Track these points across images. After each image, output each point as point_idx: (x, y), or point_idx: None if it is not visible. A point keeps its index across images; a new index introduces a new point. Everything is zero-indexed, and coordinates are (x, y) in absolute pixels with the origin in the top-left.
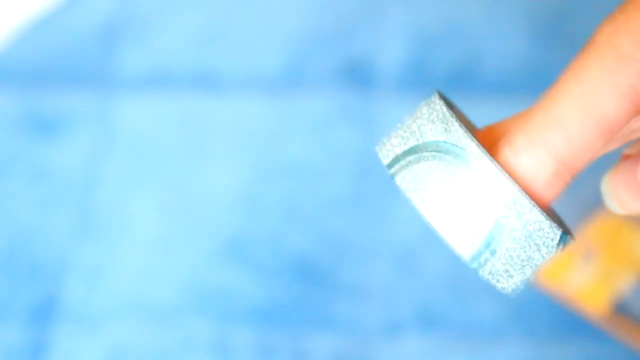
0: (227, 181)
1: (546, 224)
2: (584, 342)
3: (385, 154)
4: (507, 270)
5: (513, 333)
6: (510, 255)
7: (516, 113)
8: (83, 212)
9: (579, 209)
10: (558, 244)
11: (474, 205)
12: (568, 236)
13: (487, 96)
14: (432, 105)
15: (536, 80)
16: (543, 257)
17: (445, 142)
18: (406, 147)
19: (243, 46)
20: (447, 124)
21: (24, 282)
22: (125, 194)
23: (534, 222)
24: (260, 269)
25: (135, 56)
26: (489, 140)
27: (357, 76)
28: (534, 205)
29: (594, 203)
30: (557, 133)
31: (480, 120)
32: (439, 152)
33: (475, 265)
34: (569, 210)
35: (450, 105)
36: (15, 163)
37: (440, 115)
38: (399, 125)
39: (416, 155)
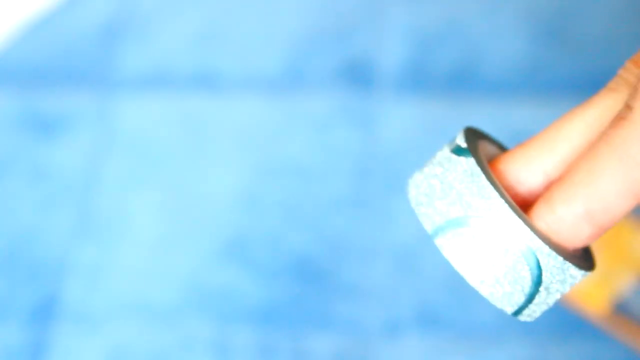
0: (227, 181)
1: (580, 273)
2: (584, 342)
3: (429, 223)
4: (541, 310)
5: (513, 333)
6: (545, 302)
7: (530, 144)
8: (83, 212)
9: None
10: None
11: (514, 268)
12: (592, 268)
13: (487, 96)
14: (470, 170)
15: (536, 81)
16: (568, 290)
17: (489, 218)
18: (449, 218)
19: (243, 46)
20: (490, 198)
21: (24, 282)
22: (125, 194)
23: (568, 272)
24: (260, 269)
25: (135, 56)
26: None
27: (357, 76)
28: (571, 264)
29: None
30: (598, 205)
31: (481, 120)
32: (482, 225)
33: (514, 314)
34: None
35: (477, 136)
36: (15, 163)
37: (484, 191)
38: (433, 175)
39: (459, 229)
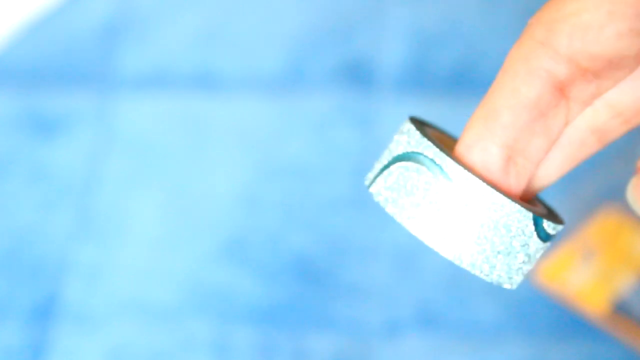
0: (227, 181)
1: (515, 207)
2: (584, 342)
3: (368, 179)
4: (494, 264)
5: (513, 333)
6: (493, 248)
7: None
8: (83, 212)
9: (580, 209)
10: (537, 229)
11: (452, 209)
12: (545, 220)
13: None
14: (402, 128)
15: None
16: (526, 245)
17: (412, 152)
18: (381, 166)
19: (243, 46)
20: (409, 134)
21: (24, 281)
22: (125, 194)
23: (504, 208)
24: (260, 269)
25: (135, 56)
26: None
27: (357, 76)
28: (497, 192)
29: (595, 203)
30: (494, 123)
31: None
32: (409, 161)
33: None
34: (569, 210)
35: (424, 124)
36: (15, 163)
37: (405, 131)
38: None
39: (389, 169)
